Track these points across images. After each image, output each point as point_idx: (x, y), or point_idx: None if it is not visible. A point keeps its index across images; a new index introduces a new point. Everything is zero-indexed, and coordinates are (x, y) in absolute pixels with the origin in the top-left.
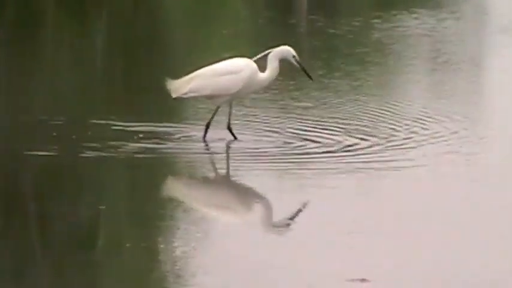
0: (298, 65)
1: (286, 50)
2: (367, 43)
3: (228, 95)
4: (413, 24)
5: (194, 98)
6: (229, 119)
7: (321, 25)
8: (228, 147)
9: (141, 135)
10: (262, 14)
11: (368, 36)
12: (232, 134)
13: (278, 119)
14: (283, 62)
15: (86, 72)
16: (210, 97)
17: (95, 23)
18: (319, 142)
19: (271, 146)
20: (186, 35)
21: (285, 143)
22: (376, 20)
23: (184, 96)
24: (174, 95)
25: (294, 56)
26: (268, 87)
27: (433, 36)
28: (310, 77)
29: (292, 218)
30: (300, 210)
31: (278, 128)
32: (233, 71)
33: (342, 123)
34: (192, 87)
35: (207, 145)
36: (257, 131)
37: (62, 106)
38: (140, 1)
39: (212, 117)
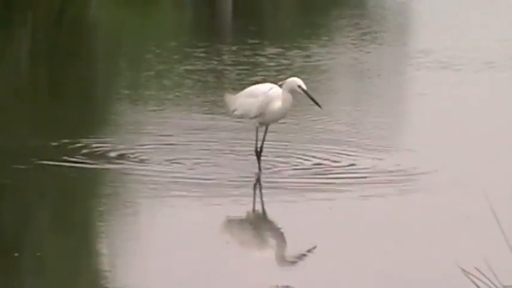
0: (306, 95)
1: (292, 81)
2: (289, 71)
3: (253, 119)
4: (338, 51)
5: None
6: (256, 144)
7: (243, 52)
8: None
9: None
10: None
11: (289, 64)
12: (258, 161)
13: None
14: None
15: (10, 80)
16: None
17: (20, 30)
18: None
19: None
20: (111, 44)
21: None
22: (297, 50)
23: (235, 113)
24: (230, 110)
25: (299, 86)
26: (285, 117)
27: (356, 65)
28: (318, 105)
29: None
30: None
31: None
32: (253, 94)
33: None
34: (235, 105)
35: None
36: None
37: None
38: (66, 9)
39: (262, 142)
